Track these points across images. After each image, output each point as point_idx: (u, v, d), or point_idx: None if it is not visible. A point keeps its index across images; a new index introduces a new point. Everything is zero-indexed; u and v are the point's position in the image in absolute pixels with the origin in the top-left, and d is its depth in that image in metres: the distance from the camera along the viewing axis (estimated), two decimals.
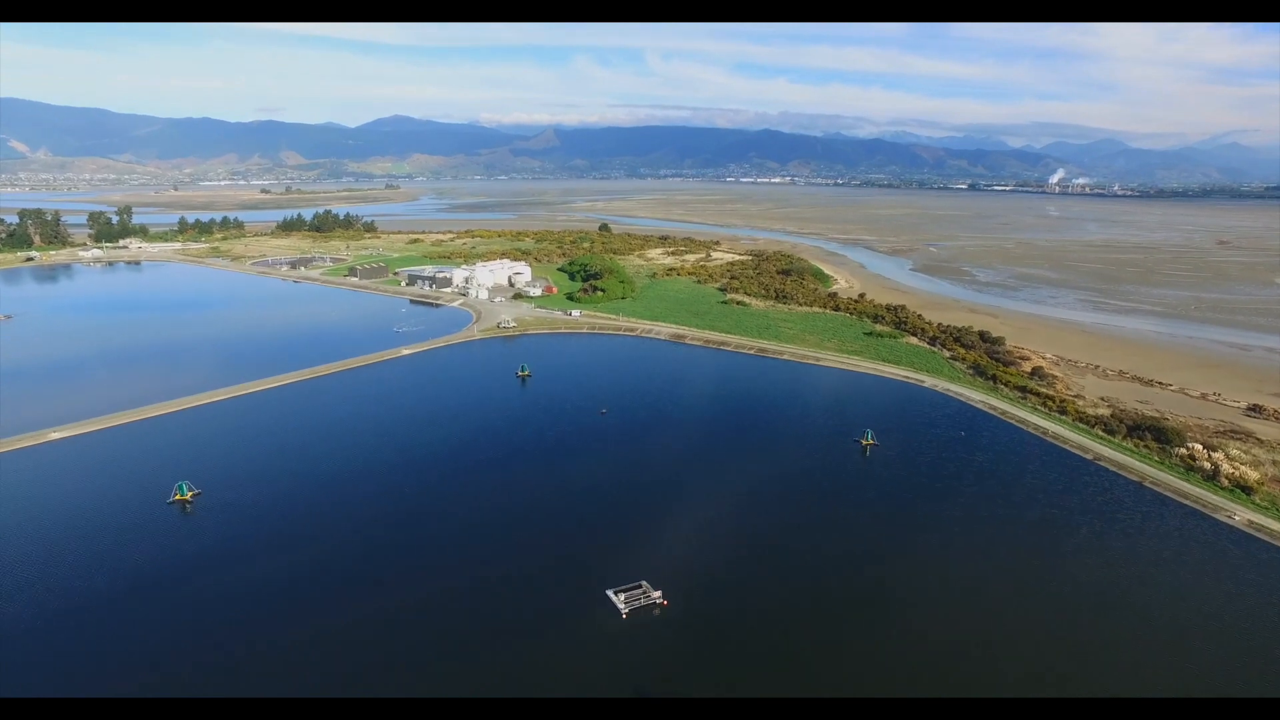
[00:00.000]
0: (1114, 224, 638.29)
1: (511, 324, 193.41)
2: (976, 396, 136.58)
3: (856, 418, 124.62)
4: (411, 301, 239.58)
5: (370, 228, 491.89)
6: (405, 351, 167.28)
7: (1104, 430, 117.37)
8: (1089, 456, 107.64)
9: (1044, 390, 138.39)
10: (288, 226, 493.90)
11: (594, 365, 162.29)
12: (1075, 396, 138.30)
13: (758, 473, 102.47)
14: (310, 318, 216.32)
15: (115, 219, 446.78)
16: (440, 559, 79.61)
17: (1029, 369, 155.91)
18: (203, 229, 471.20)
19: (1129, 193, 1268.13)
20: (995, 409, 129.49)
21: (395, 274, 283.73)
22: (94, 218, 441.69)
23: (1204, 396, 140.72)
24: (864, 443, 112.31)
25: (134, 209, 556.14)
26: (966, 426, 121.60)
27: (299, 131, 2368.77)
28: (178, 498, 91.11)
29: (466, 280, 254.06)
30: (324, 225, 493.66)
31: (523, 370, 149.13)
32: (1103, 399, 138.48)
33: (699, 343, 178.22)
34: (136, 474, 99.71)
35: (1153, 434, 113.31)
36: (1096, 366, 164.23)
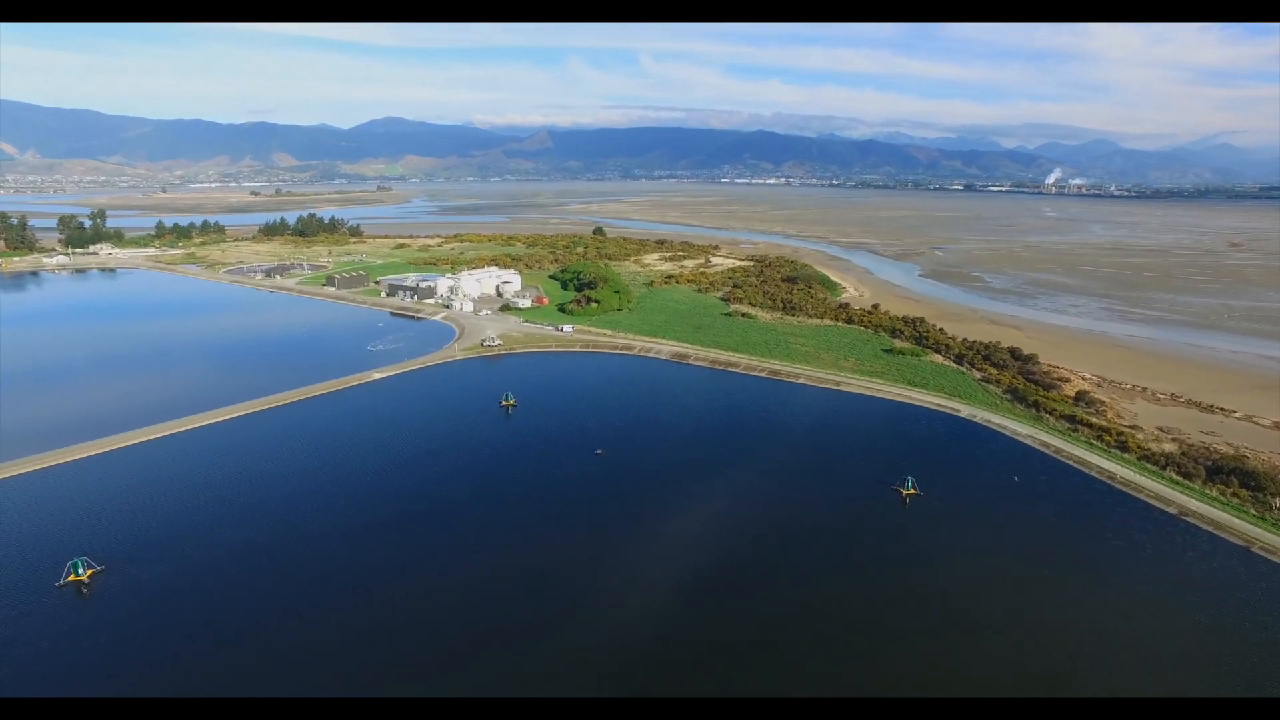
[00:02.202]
0: (1118, 225, 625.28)
1: (497, 341, 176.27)
2: (1021, 429, 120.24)
3: (890, 456, 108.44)
4: (391, 314, 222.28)
5: (356, 232, 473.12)
6: (376, 375, 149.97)
7: (1178, 473, 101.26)
8: (1172, 510, 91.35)
9: (1096, 421, 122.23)
10: (270, 230, 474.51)
11: (588, 392, 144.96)
12: (1131, 427, 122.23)
13: (784, 535, 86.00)
14: (277, 334, 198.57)
15: (88, 223, 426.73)
16: (393, 674, 62.64)
17: (1072, 393, 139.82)
18: (181, 233, 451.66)
19: (1125, 193, 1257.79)
20: (1047, 445, 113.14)
21: (376, 283, 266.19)
22: (64, 221, 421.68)
23: (1277, 426, 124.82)
24: (904, 492, 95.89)
25: (119, 212, 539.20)
26: (1018, 468, 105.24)
27: (291, 133, 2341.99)
28: (71, 579, 73.73)
29: (451, 290, 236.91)
30: (307, 229, 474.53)
31: (507, 399, 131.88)
32: (1162, 430, 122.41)
33: (704, 363, 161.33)
34: (22, 547, 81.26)
35: (1238, 478, 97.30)
36: (1144, 389, 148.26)
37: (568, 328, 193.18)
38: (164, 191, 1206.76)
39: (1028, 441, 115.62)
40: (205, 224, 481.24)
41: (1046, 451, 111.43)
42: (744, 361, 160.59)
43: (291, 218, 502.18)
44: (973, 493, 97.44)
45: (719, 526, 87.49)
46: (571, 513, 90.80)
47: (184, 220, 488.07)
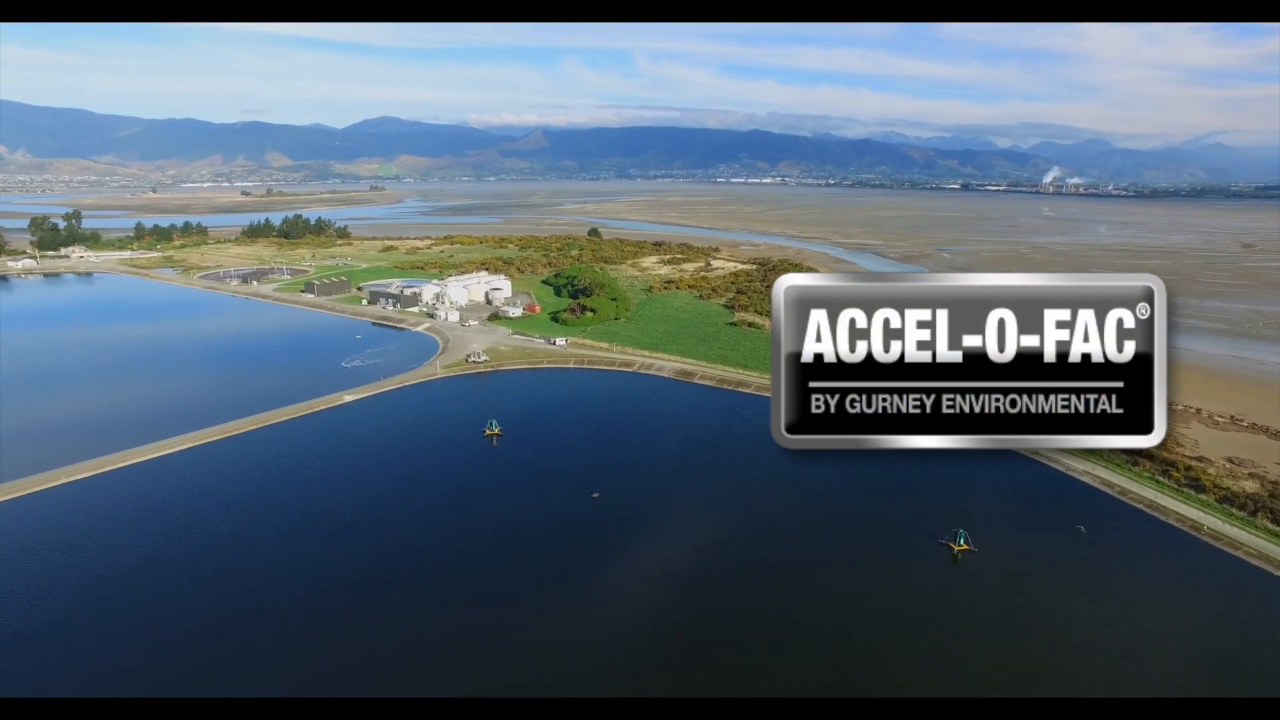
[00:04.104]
0: (1123, 226, 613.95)
1: (483, 357, 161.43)
2: (1076, 463, 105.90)
3: (931, 496, 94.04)
4: (373, 323, 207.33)
5: (343, 234, 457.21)
6: (348, 397, 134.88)
7: (1272, 520, 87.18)
8: None
9: (1161, 453, 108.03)
10: (253, 232, 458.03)
11: (583, 418, 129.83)
12: (1198, 460, 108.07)
13: (821, 598, 71.46)
14: (244, 347, 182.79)
15: (62, 224, 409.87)
16: None
17: None
18: (161, 235, 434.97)
19: (1122, 193, 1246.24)
20: (1110, 485, 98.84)
21: (359, 289, 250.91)
22: (36, 223, 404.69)
23: None
24: (955, 548, 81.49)
25: (105, 212, 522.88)
26: (1081, 514, 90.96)
27: (285, 133, 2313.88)
28: None
29: (437, 298, 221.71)
30: (293, 231, 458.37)
31: (491, 428, 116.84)
32: (1232, 461, 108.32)
33: (711, 382, 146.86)
34: None
35: None
36: (1198, 410, 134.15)
37: (561, 340, 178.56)
38: (153, 191, 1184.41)
39: (1085, 479, 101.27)
40: (187, 225, 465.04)
41: (1110, 492, 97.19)
42: (755, 380, 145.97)
43: (278, 219, 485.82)
44: (1032, 546, 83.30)
45: (732, 588, 72.94)
46: (562, 578, 76.08)
47: (167, 221, 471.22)
